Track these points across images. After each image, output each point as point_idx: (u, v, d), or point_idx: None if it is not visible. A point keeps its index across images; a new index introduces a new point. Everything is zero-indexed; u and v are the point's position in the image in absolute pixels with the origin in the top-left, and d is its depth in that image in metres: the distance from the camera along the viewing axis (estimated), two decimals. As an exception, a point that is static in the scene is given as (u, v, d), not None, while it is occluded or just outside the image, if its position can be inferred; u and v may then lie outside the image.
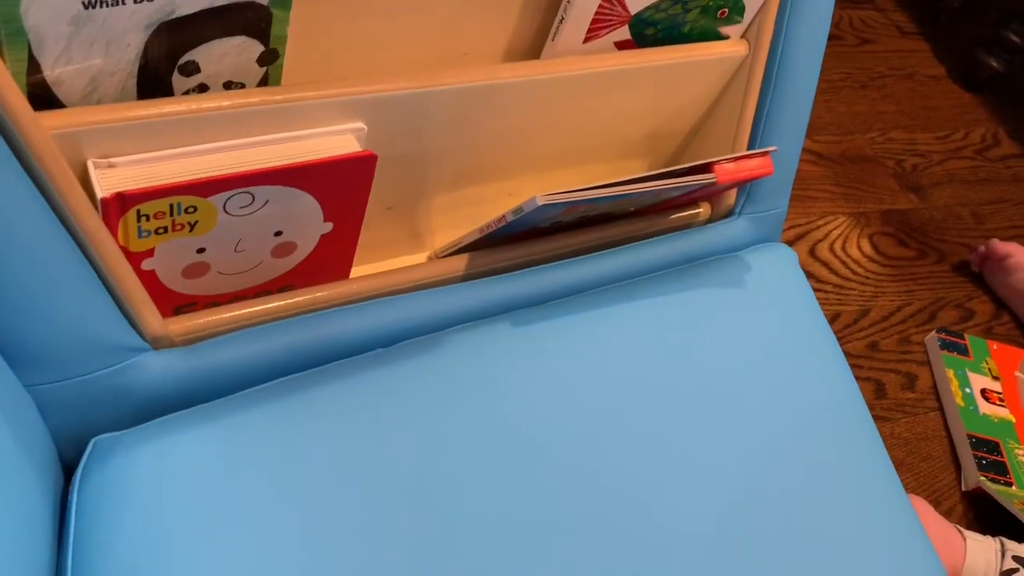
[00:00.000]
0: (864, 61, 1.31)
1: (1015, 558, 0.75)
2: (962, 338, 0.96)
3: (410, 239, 0.63)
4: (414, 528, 0.42)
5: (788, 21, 0.61)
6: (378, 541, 0.43)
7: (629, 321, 0.57)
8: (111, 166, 0.42)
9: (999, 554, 0.75)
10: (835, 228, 1.04)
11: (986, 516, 0.82)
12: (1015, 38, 1.32)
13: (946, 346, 0.95)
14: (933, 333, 0.96)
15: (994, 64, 1.32)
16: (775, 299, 0.63)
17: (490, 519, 0.45)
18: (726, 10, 0.61)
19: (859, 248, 1.03)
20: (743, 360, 0.59)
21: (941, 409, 0.90)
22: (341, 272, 0.56)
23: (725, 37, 0.62)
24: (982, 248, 1.05)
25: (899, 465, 0.86)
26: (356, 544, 0.42)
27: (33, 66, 0.39)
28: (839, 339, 0.94)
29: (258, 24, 0.44)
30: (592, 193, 0.51)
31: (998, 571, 0.74)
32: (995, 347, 0.97)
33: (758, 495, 0.53)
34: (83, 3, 0.37)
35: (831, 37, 1.34)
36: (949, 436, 0.89)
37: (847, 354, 0.92)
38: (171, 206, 0.43)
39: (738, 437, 0.56)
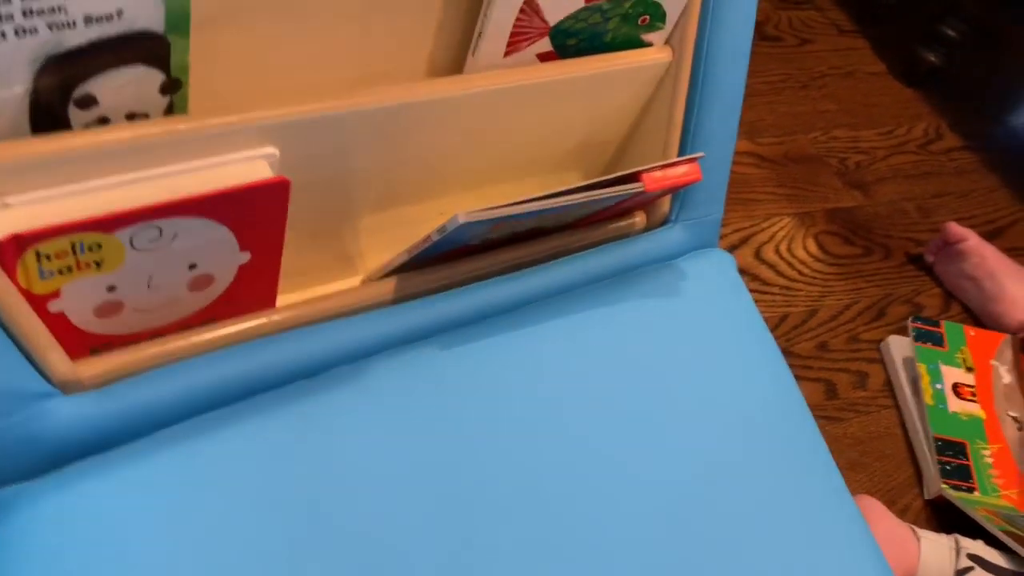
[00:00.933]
0: (804, 61, 1.32)
1: (970, 556, 0.75)
2: (938, 326, 0.95)
3: (340, 264, 0.62)
4: (337, 569, 0.41)
5: (711, 25, 0.61)
6: (305, 580, 0.41)
7: (562, 335, 0.56)
8: (6, 206, 0.41)
9: (954, 552, 0.75)
10: (780, 229, 1.04)
11: (943, 515, 0.82)
12: (951, 32, 1.33)
13: (921, 336, 0.94)
14: (909, 325, 0.96)
15: (932, 59, 1.34)
16: (712, 305, 0.62)
17: (423, 554, 0.44)
18: (647, 17, 0.60)
19: (805, 248, 1.04)
20: (680, 369, 0.59)
21: (896, 407, 0.90)
22: (265, 302, 0.54)
23: (648, 44, 0.62)
24: (937, 240, 1.06)
25: (853, 465, 0.86)
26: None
27: (-88, 108, 0.37)
28: (787, 340, 0.94)
29: (156, 53, 0.43)
30: (517, 208, 0.50)
31: (953, 570, 0.74)
32: (972, 333, 0.96)
33: (696, 505, 0.52)
34: (-42, 40, 0.36)
35: (770, 38, 1.35)
36: (906, 434, 0.89)
37: (796, 355, 0.93)
38: (73, 245, 0.42)
39: (675, 446, 0.55)
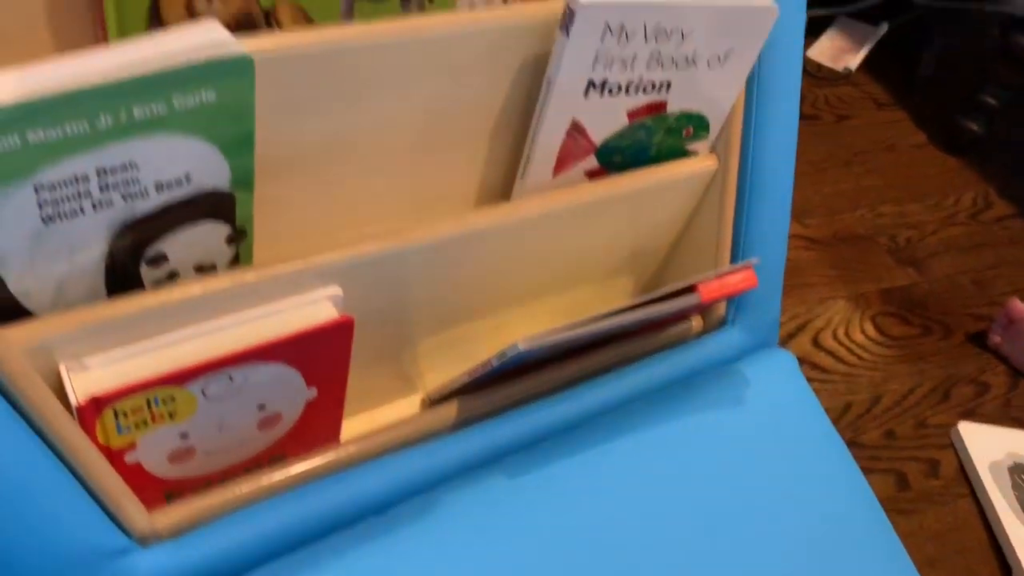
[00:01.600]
0: (844, 137, 1.32)
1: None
2: None
3: (400, 384, 0.63)
4: None
5: (755, 128, 0.62)
6: None
7: (628, 451, 0.56)
8: (84, 368, 0.42)
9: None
10: (836, 313, 1.03)
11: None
12: (992, 100, 1.33)
13: None
14: (957, 425, 0.94)
15: (974, 127, 1.33)
16: (775, 407, 0.62)
17: None
18: (691, 128, 0.61)
19: (863, 332, 1.02)
20: (748, 476, 0.58)
21: (973, 495, 0.87)
22: (331, 432, 0.55)
23: (694, 153, 0.63)
24: (999, 318, 1.04)
25: (932, 562, 0.83)
26: None
27: (-2, 283, 0.39)
28: (853, 430, 0.92)
29: (222, 208, 0.45)
30: (575, 332, 0.51)
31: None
32: None
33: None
34: (41, 219, 0.38)
35: (808, 117, 1.36)
36: (986, 524, 0.86)
37: (863, 445, 0.91)
38: (148, 400, 0.43)
39: (753, 559, 0.54)
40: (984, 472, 0.85)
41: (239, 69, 0.40)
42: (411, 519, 0.47)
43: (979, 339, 1.05)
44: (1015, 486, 0.84)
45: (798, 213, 1.15)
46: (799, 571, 0.55)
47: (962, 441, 0.90)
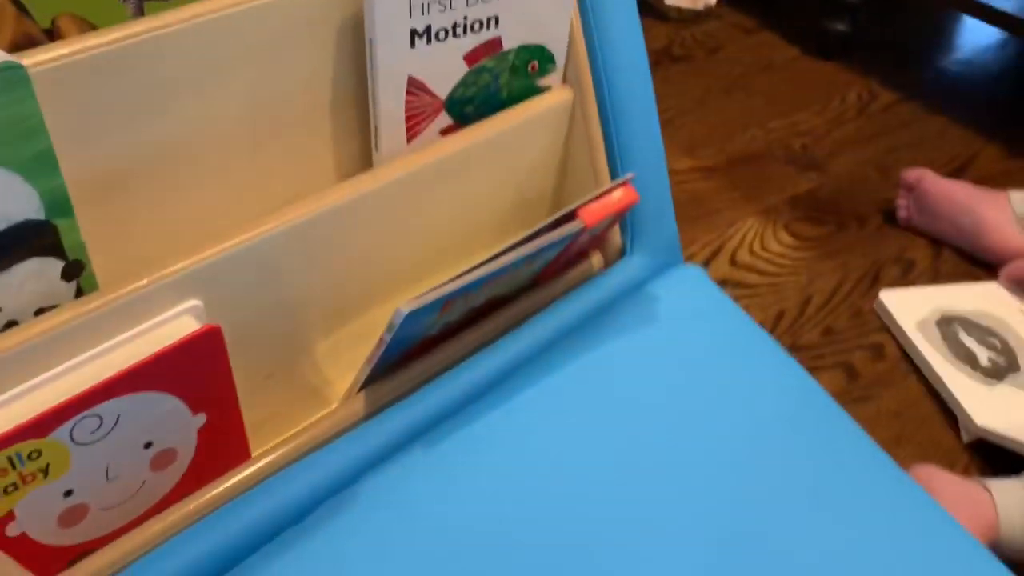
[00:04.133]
0: (720, 68, 1.33)
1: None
2: None
3: (309, 399, 0.59)
4: None
5: (601, 51, 0.60)
6: None
7: (555, 394, 0.53)
8: (-74, 442, 0.38)
9: (1029, 490, 0.71)
10: (748, 231, 1.03)
11: (1004, 459, 0.78)
12: (850, -1, 1.35)
13: None
14: (879, 296, 0.94)
15: (840, 27, 1.35)
16: (694, 319, 0.60)
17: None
18: (535, 63, 0.59)
19: (778, 241, 1.02)
20: (688, 389, 0.56)
21: (917, 369, 0.87)
22: (240, 459, 0.52)
23: (547, 88, 0.61)
24: (901, 192, 1.04)
25: (898, 440, 0.82)
26: None
27: None
28: (791, 336, 0.91)
29: (45, 240, 0.42)
30: (458, 283, 0.48)
31: (1033, 508, 0.70)
32: None
33: (753, 513, 0.49)
34: None
35: (680, 58, 1.36)
36: (933, 391, 0.85)
37: (806, 348, 0.90)
38: (9, 459, 0.39)
39: (712, 471, 0.52)
40: (914, 333, 0.85)
41: (11, 81, 0.37)
42: (328, 519, 0.44)
43: (894, 221, 1.05)
44: (945, 337, 0.83)
45: (689, 148, 1.15)
46: (764, 476, 0.53)
47: (886, 310, 0.89)
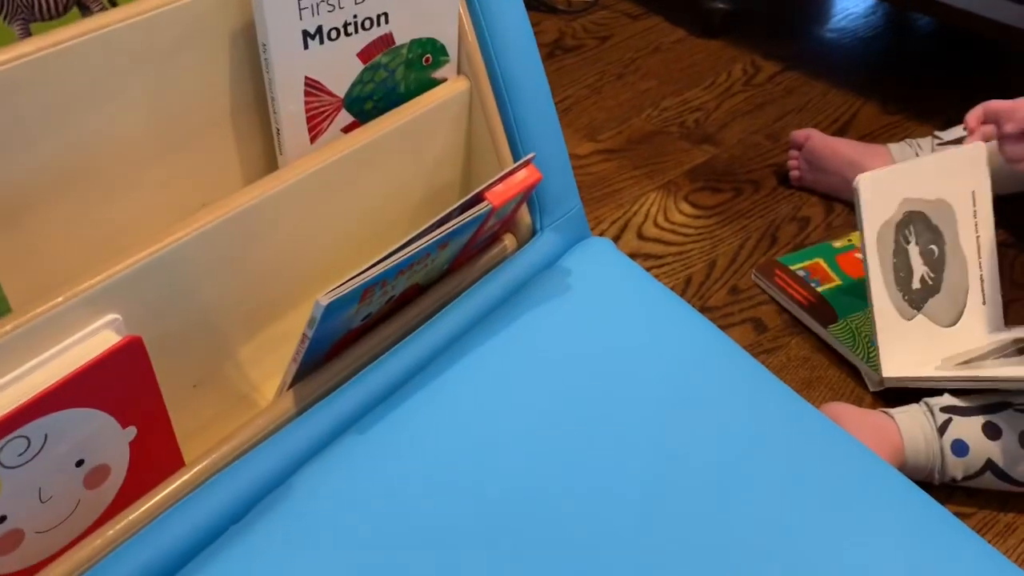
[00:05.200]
0: (611, 55, 1.36)
1: (943, 409, 0.75)
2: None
3: (239, 405, 0.60)
4: None
5: (491, 41, 0.62)
6: None
7: (479, 373, 0.55)
8: None
9: (928, 413, 0.76)
10: (651, 205, 1.06)
11: (905, 393, 0.82)
12: (726, -23, 1.40)
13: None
14: (752, 273, 0.97)
15: (721, 5, 1.40)
16: (607, 286, 0.62)
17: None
18: (429, 56, 0.61)
19: (680, 212, 1.05)
20: (609, 353, 0.58)
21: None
22: (174, 469, 0.52)
23: (443, 80, 0.63)
24: (792, 152, 1.09)
25: (809, 383, 0.86)
26: None
27: None
28: (700, 299, 0.94)
29: (-48, 268, 0.41)
30: (374, 271, 0.49)
31: (935, 430, 0.74)
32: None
33: (681, 470, 0.51)
34: None
35: (572, 49, 1.39)
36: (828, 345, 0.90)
37: (715, 308, 0.93)
38: (-63, 489, 0.39)
39: (638, 424, 0.54)
40: (872, 250, 0.83)
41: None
42: (270, 512, 0.45)
43: (787, 183, 1.10)
44: (896, 247, 0.84)
45: (590, 133, 1.18)
46: (687, 424, 0.56)
47: (861, 199, 0.84)
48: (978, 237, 0.87)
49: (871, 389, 0.84)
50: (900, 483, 0.54)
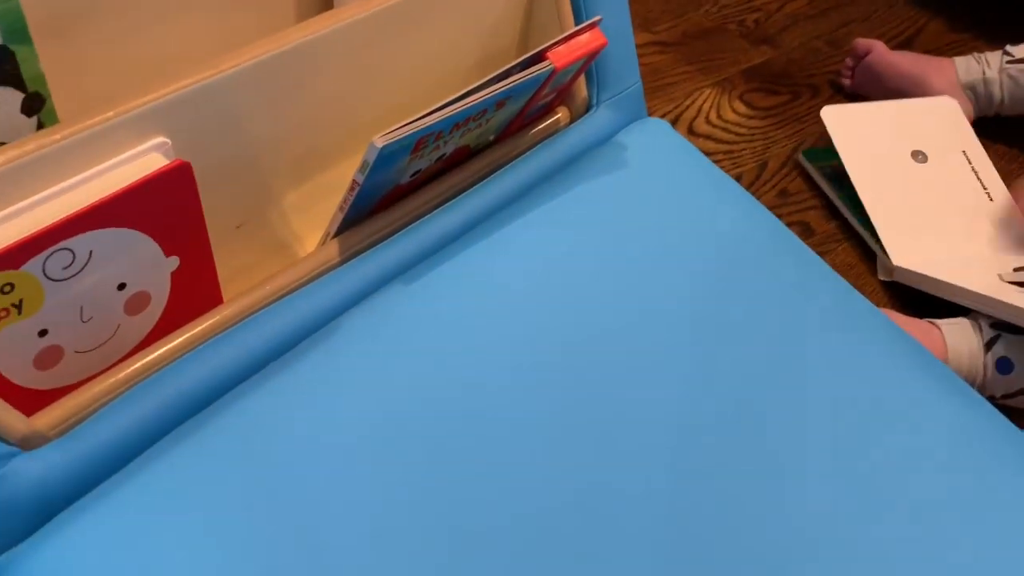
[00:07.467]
0: (673, -54, 1.31)
1: (993, 326, 0.74)
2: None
3: (280, 252, 0.59)
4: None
5: None
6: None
7: (525, 241, 0.53)
8: None
9: (977, 328, 0.74)
10: (704, 101, 1.03)
11: (954, 309, 0.81)
12: None
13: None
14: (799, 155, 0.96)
15: (792, -96, 1.33)
16: (664, 165, 0.60)
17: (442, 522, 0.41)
18: (499, -96, 0.58)
19: (734, 111, 1.02)
20: (662, 229, 0.56)
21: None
22: (213, 306, 0.51)
23: (510, -68, 0.59)
24: (848, 60, 1.05)
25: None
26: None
27: None
28: (749, 198, 0.92)
29: (3, 68, 0.40)
30: (432, 119, 0.47)
31: (981, 344, 0.73)
32: None
33: (735, 352, 0.50)
34: None
35: (633, -65, 1.33)
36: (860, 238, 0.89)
37: (762, 208, 0.91)
38: (-18, 292, 0.38)
39: (692, 304, 0.53)
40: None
41: None
42: (311, 352, 0.44)
43: (844, 90, 1.06)
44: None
45: (645, 23, 1.14)
46: (744, 308, 0.54)
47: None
48: (987, 192, 0.88)
49: (881, 278, 0.84)
50: (953, 380, 0.53)
